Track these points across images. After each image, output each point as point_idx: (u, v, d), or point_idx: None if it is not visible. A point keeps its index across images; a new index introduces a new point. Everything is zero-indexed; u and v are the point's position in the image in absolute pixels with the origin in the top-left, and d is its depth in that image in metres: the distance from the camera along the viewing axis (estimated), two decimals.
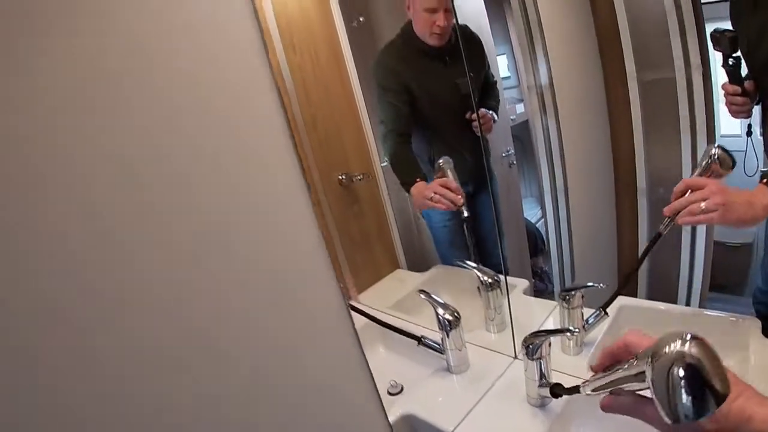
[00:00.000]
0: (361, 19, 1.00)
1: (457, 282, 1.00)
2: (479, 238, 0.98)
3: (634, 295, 0.97)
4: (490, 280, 0.88)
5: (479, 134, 0.96)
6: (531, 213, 1.09)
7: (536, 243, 1.08)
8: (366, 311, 0.83)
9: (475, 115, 0.99)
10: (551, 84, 1.07)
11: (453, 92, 1.02)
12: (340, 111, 0.95)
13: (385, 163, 0.98)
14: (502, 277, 0.88)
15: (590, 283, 0.88)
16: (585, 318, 0.88)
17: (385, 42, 1.03)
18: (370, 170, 0.96)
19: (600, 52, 1.08)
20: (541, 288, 1.07)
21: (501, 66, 1.18)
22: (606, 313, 0.92)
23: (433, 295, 0.84)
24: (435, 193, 0.93)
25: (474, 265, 0.90)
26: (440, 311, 0.82)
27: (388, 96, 1.00)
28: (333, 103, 0.93)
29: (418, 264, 1.03)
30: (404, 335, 0.83)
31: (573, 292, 0.86)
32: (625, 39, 1.05)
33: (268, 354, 0.50)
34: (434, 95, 1.03)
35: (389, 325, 0.83)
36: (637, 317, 0.94)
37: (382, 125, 1.00)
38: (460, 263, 0.89)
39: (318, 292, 0.55)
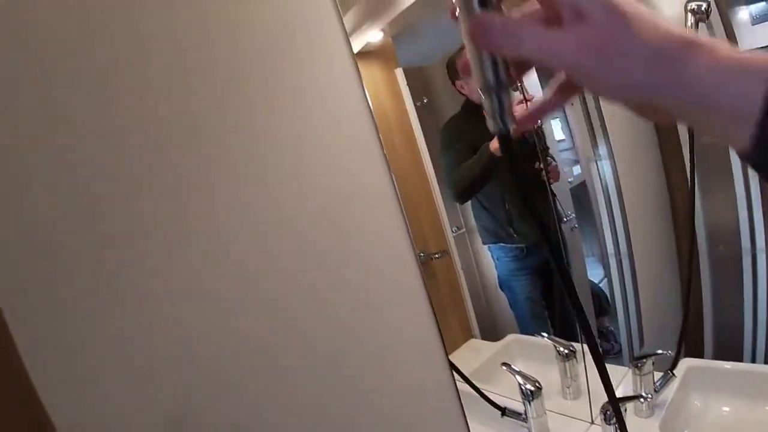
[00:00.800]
0: (425, 99, 1.15)
1: (530, 350, 1.12)
2: (557, 307, 1.10)
3: (700, 355, 1.07)
4: (566, 351, 1.00)
5: (548, 182, 1.11)
6: (593, 273, 1.20)
7: (600, 304, 1.19)
8: (460, 376, 0.95)
9: (542, 165, 1.13)
10: (610, 150, 1.19)
11: (518, 145, 1.16)
12: (416, 191, 1.09)
13: (455, 233, 1.11)
14: (577, 345, 1.00)
15: (660, 351, 0.99)
16: (655, 381, 0.99)
17: (447, 117, 1.18)
18: (445, 246, 1.09)
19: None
20: (607, 348, 1.18)
21: (555, 129, 1.30)
22: (673, 375, 1.03)
23: (513, 366, 0.96)
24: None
25: (548, 335, 1.02)
26: (522, 382, 0.94)
27: (453, 149, 1.15)
28: (408, 184, 1.07)
29: (491, 333, 1.15)
30: (491, 404, 0.95)
31: (644, 360, 0.97)
32: None
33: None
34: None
35: (482, 393, 0.95)
36: (703, 377, 1.03)
37: (448, 168, 1.14)
38: (538, 335, 1.01)
39: (431, 363, 0.69)
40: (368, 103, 0.63)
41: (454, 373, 0.74)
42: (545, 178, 1.12)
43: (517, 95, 1.05)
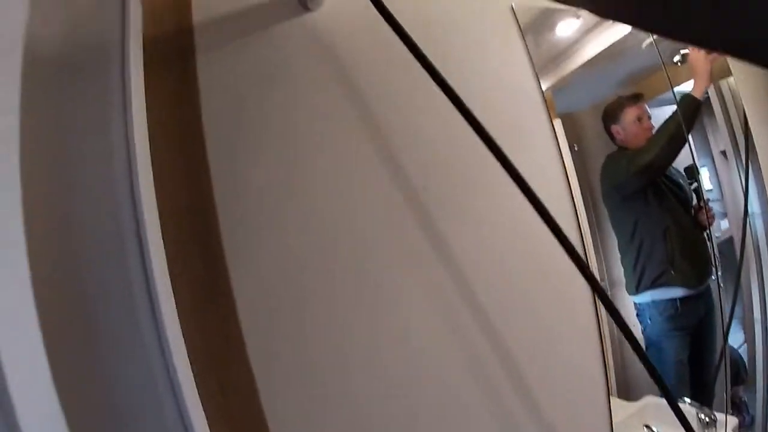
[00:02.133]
0: (575, 147, 1.25)
1: (668, 414, 1.22)
2: (704, 370, 1.19)
3: None
4: (707, 419, 1.11)
5: (706, 223, 1.25)
6: (732, 338, 1.28)
7: (738, 371, 1.28)
8: None
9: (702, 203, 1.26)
10: (765, 205, 1.24)
11: (677, 185, 1.30)
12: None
13: (604, 282, 1.22)
14: (720, 415, 1.10)
15: None
16: None
17: (595, 162, 1.29)
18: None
19: None
20: (738, 420, 1.27)
21: (704, 178, 1.36)
22: None
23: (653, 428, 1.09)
24: None
25: (690, 401, 1.13)
26: None
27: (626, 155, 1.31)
28: None
29: (624, 392, 1.27)
30: None
31: None
32: None
33: None
34: (661, 187, 1.29)
35: None
36: None
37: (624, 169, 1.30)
38: (680, 399, 1.12)
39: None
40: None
41: None
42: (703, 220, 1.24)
43: None
